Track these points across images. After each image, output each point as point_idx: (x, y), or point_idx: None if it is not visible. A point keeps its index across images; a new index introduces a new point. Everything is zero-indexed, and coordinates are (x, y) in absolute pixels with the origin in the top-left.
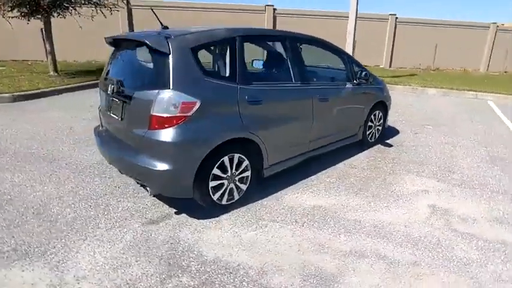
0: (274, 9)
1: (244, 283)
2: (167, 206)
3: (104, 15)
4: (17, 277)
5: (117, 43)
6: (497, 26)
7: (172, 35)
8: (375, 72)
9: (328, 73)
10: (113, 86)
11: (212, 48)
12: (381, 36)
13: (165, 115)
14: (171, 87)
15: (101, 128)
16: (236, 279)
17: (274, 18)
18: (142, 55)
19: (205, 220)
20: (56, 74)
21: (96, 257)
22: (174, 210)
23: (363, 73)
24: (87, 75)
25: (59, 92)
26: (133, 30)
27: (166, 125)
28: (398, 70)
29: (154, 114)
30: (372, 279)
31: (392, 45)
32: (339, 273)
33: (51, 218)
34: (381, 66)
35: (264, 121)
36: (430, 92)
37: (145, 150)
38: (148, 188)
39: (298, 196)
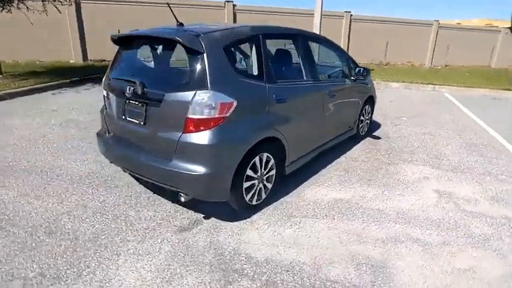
0: (234, 6)
1: (305, 279)
2: (192, 212)
3: (45, 11)
4: None
5: (126, 41)
6: (439, 23)
7: (200, 33)
8: None
9: (331, 70)
10: (132, 88)
11: (240, 46)
12: (337, 33)
13: (203, 117)
14: (208, 87)
15: (107, 134)
16: (296, 276)
17: (234, 14)
18: (168, 54)
19: (239, 222)
20: (0, 75)
21: (141, 271)
22: (202, 215)
23: (360, 70)
24: (38, 77)
25: (11, 96)
26: (82, 27)
27: (203, 128)
28: None
29: (190, 116)
30: (415, 261)
31: (348, 41)
32: (386, 259)
33: (69, 236)
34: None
35: (287, 119)
36: (393, 86)
37: (180, 155)
38: (182, 194)
39: (317, 191)
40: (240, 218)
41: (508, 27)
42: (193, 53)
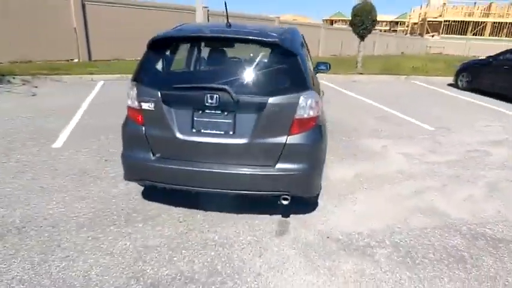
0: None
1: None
2: (265, 216)
3: None
4: None
5: (178, 43)
6: (279, 19)
7: (277, 34)
8: None
9: None
10: (216, 96)
11: None
12: None
13: (308, 117)
14: (310, 88)
15: (153, 155)
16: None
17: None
18: (253, 56)
19: (314, 211)
20: None
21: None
22: (277, 216)
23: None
24: None
25: None
26: None
27: (306, 127)
28: None
29: (298, 118)
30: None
31: None
32: None
33: None
34: None
35: None
36: (375, 79)
37: (286, 157)
38: (287, 197)
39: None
40: (314, 207)
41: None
42: (288, 56)
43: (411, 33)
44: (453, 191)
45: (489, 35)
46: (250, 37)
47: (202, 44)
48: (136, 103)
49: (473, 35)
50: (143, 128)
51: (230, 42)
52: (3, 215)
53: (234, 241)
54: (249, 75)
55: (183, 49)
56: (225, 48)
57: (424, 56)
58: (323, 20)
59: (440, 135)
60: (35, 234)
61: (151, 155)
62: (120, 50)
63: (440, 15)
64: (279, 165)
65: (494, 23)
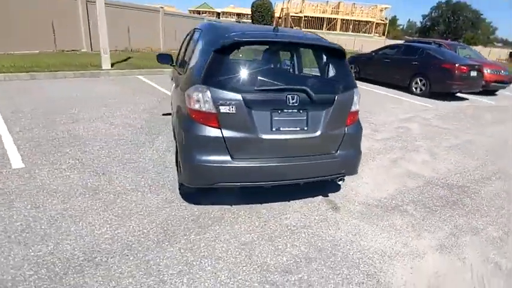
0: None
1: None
2: (309, 199)
3: None
4: None
5: (243, 47)
6: (164, 10)
7: (326, 40)
8: (81, 59)
9: None
10: (297, 96)
11: None
12: (76, 17)
13: (356, 109)
14: (356, 85)
15: (230, 158)
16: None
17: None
18: (315, 58)
19: (345, 187)
20: None
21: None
22: (318, 198)
23: None
24: None
25: None
26: None
27: (355, 119)
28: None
29: (352, 110)
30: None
31: (89, 26)
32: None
33: None
34: (82, 51)
35: None
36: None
37: (344, 145)
38: (343, 178)
39: None
40: (337, 186)
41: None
42: (341, 58)
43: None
44: (411, 158)
45: (339, 30)
46: (317, 43)
47: (266, 47)
48: (212, 106)
49: (328, 30)
50: (220, 131)
51: (295, 46)
52: None
53: (309, 222)
54: (317, 75)
55: (247, 53)
56: (284, 52)
57: None
58: (189, 10)
59: (369, 117)
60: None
61: (230, 157)
62: None
63: (301, 11)
64: (339, 152)
65: (342, 20)
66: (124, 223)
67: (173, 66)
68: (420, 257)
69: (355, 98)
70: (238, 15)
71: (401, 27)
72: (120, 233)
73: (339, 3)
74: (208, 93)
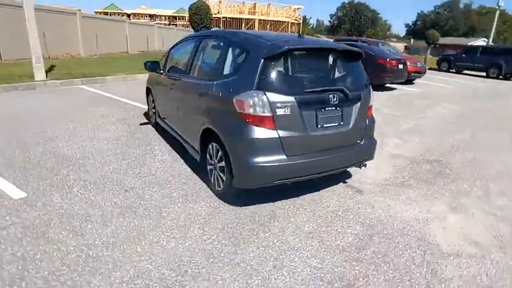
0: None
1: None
2: (331, 188)
3: None
4: None
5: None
6: (81, 13)
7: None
8: None
9: None
10: (337, 96)
11: None
12: None
13: (371, 103)
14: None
15: (286, 155)
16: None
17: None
18: (339, 62)
19: (362, 170)
20: None
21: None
22: (340, 185)
23: None
24: None
25: None
26: None
27: (370, 112)
28: (18, 62)
29: (369, 105)
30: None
31: None
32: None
33: None
34: None
35: None
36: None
37: (366, 136)
38: (366, 163)
39: None
40: (348, 173)
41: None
42: (359, 60)
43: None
44: (387, 143)
45: (258, 30)
46: (346, 48)
47: (303, 53)
48: (268, 110)
49: (247, 29)
50: (276, 132)
51: (329, 51)
52: None
53: (347, 206)
54: (345, 76)
55: (288, 58)
56: (318, 56)
57: None
58: (95, 11)
59: None
60: None
61: (285, 156)
62: None
63: (218, 12)
64: (363, 141)
65: (260, 20)
66: (187, 234)
67: (159, 73)
68: (444, 218)
69: (372, 93)
70: (151, 16)
71: (311, 26)
72: (192, 244)
73: (255, 4)
74: (265, 98)
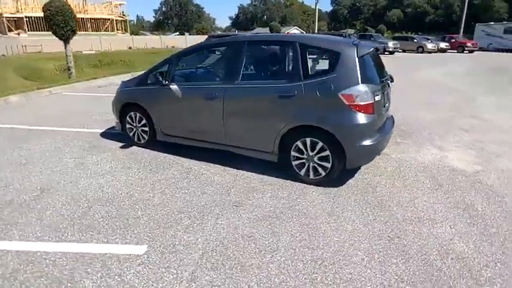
0: None
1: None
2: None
3: None
4: None
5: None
6: None
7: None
8: None
9: None
10: (389, 82)
11: None
12: None
13: None
14: None
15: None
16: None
17: None
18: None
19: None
20: None
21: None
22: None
23: None
24: None
25: None
26: None
27: None
28: None
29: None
30: None
31: None
32: None
33: None
34: None
35: None
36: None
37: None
38: None
39: None
40: None
41: None
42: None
43: None
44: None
45: (78, 31)
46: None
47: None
48: (371, 97)
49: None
50: (375, 116)
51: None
52: None
53: (384, 182)
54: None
55: (367, 56)
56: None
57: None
58: None
59: None
60: None
61: (378, 134)
62: None
63: (18, 11)
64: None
65: (77, 18)
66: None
67: (163, 85)
68: (481, 164)
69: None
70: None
71: (132, 22)
72: None
73: (66, 0)
74: (368, 89)
